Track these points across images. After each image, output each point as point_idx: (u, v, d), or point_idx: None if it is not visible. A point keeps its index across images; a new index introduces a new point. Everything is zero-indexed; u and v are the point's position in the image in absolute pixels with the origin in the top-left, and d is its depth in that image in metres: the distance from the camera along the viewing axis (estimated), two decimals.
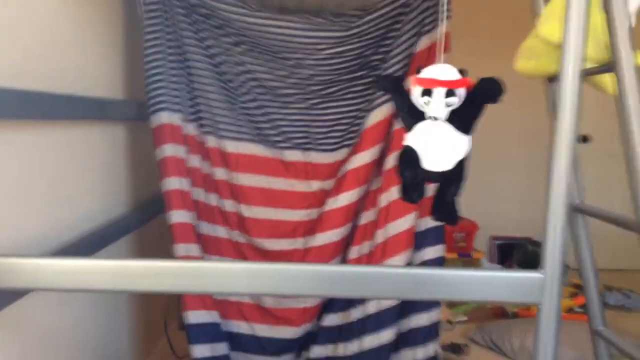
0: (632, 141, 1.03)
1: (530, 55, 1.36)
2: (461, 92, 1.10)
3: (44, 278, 1.02)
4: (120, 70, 2.06)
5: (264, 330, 2.12)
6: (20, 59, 1.35)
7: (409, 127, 1.16)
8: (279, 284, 1.00)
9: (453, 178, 1.14)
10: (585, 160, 4.91)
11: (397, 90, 1.19)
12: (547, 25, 1.27)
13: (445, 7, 1.79)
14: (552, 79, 1.38)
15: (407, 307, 2.08)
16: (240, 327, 2.12)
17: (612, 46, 1.05)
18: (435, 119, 1.11)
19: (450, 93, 1.09)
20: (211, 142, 2.09)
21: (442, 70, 1.11)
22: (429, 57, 1.97)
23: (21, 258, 1.04)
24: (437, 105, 1.10)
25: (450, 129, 1.12)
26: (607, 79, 1.28)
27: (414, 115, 1.14)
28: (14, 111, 1.27)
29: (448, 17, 1.93)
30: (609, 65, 1.11)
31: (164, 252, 2.08)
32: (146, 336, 2.42)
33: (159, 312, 2.51)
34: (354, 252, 2.09)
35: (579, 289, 3.58)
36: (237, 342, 2.12)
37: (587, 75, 1.23)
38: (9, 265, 1.03)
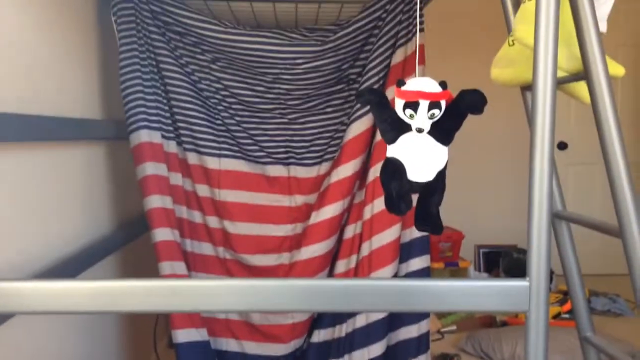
0: (610, 148, 1.04)
1: (506, 64, 1.36)
2: (443, 104, 1.11)
3: (27, 301, 1.00)
4: (98, 91, 2.05)
5: (252, 347, 2.10)
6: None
7: (390, 140, 1.17)
8: (268, 300, 0.99)
9: (435, 188, 1.15)
10: (565, 167, 4.95)
11: (380, 104, 1.20)
12: (522, 27, 1.29)
13: (418, 20, 1.81)
14: (527, 88, 1.39)
15: (396, 320, 2.07)
16: (229, 344, 2.11)
17: (583, 55, 1.07)
18: (420, 131, 1.13)
19: (433, 105, 1.10)
20: (192, 159, 2.09)
21: (424, 83, 1.12)
22: (405, 69, 1.99)
23: (3, 282, 1.02)
24: (423, 118, 1.11)
25: (431, 140, 1.13)
26: (582, 88, 1.29)
27: (396, 128, 1.15)
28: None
29: (421, 30, 1.97)
30: (581, 74, 1.13)
31: (150, 270, 2.06)
32: (135, 355, 2.39)
33: (148, 331, 2.48)
34: (341, 265, 2.09)
35: (565, 295, 3.61)
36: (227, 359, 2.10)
37: (560, 84, 1.25)
38: None
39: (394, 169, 1.16)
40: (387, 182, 1.17)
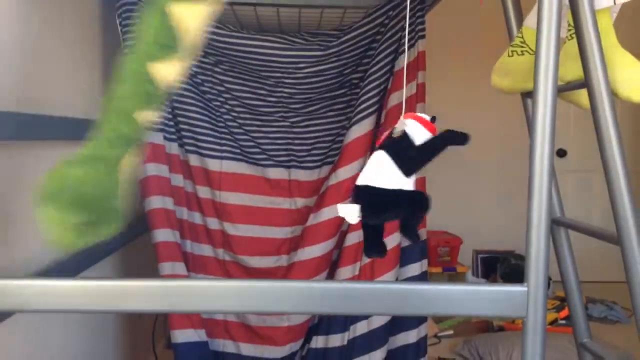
0: (609, 155, 1.05)
1: (505, 73, 1.38)
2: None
3: (28, 299, 1.01)
4: (101, 92, 2.05)
5: (249, 349, 2.10)
6: (5, 82, 1.34)
7: None
8: (267, 301, 1.00)
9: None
10: (564, 174, 4.95)
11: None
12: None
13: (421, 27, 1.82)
14: (528, 94, 1.40)
15: (396, 325, 2.07)
16: (226, 346, 2.11)
17: (583, 63, 1.08)
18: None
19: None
20: (194, 160, 2.09)
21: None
22: (407, 75, 1.99)
23: (3, 279, 1.02)
24: None
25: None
26: (582, 94, 1.30)
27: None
28: (1, 132, 1.27)
29: (422, 37, 1.97)
30: (582, 82, 1.14)
31: (150, 270, 2.06)
32: (133, 355, 2.39)
33: (146, 331, 2.48)
34: (344, 273, 2.05)
35: (562, 301, 3.61)
36: None
37: (560, 92, 1.26)
38: None
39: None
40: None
